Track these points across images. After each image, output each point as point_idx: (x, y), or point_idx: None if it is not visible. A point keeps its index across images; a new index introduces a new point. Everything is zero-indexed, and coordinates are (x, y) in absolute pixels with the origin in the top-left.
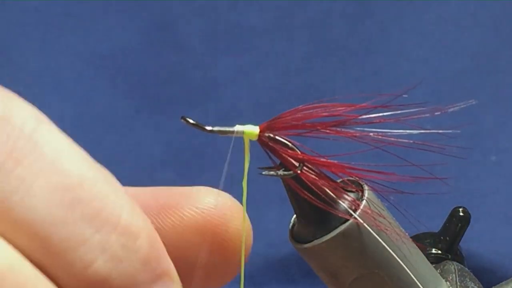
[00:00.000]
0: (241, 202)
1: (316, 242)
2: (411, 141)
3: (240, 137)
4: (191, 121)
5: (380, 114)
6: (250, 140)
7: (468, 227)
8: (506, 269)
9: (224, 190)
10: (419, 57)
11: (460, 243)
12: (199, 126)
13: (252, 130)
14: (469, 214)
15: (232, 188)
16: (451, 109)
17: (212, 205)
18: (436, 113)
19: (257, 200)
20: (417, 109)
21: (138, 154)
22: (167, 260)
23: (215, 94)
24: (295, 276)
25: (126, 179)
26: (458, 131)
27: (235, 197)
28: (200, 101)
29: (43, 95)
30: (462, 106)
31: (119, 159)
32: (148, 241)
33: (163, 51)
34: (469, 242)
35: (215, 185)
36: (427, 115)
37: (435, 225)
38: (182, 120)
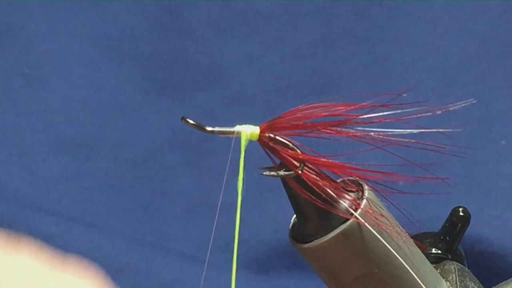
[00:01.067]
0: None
1: (316, 242)
2: (413, 141)
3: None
4: (191, 121)
5: (381, 114)
6: (251, 140)
7: (480, 211)
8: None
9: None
10: (427, 43)
11: (460, 244)
12: (199, 127)
13: (252, 130)
14: (469, 214)
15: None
16: (452, 108)
17: None
18: (436, 113)
19: (261, 186)
20: (418, 108)
21: (145, 137)
22: None
23: (222, 79)
24: (302, 261)
25: (133, 162)
26: (459, 130)
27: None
28: (207, 85)
29: (50, 77)
30: (462, 105)
31: (126, 143)
32: None
33: (170, 35)
34: (480, 226)
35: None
36: (429, 113)
37: (435, 225)
38: (182, 121)
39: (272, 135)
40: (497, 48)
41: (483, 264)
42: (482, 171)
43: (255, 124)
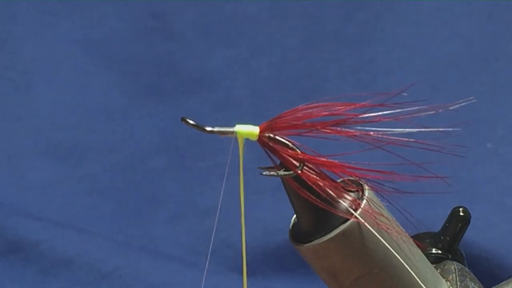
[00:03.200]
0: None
1: (316, 242)
2: (412, 140)
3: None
4: (191, 121)
5: (379, 113)
6: (251, 140)
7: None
8: (502, 257)
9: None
10: (414, 45)
11: (460, 244)
12: (198, 127)
13: (252, 130)
14: (469, 214)
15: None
16: (452, 107)
17: None
18: (435, 111)
19: (250, 189)
20: (416, 108)
21: (132, 142)
22: None
23: (210, 83)
24: (291, 265)
25: (120, 166)
26: (459, 129)
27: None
28: (195, 89)
29: (37, 82)
30: (462, 104)
31: (113, 147)
32: None
33: (157, 40)
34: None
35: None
36: (432, 112)
37: (435, 225)
38: (182, 121)
39: (271, 135)
40: (484, 51)
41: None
42: (468, 174)
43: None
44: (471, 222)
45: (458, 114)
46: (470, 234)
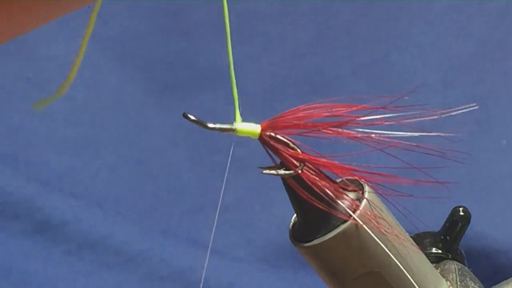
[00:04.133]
0: None
1: (316, 241)
2: (413, 144)
3: (243, 134)
4: (192, 117)
5: (382, 116)
6: (252, 138)
7: (482, 210)
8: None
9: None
10: (426, 43)
11: (460, 243)
12: (200, 123)
13: (253, 128)
14: (469, 213)
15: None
16: (454, 113)
17: None
18: (437, 117)
19: (268, 186)
20: (419, 112)
21: (147, 136)
22: None
23: (223, 79)
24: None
25: (136, 160)
26: (460, 135)
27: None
28: (207, 85)
29: (52, 80)
30: (464, 110)
31: (128, 142)
32: None
33: (170, 36)
34: (482, 225)
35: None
36: (431, 117)
37: (436, 225)
38: (183, 117)
39: (273, 134)
40: (495, 49)
41: (483, 263)
42: (483, 171)
43: (256, 123)
44: (488, 217)
45: (471, 112)
46: (487, 229)
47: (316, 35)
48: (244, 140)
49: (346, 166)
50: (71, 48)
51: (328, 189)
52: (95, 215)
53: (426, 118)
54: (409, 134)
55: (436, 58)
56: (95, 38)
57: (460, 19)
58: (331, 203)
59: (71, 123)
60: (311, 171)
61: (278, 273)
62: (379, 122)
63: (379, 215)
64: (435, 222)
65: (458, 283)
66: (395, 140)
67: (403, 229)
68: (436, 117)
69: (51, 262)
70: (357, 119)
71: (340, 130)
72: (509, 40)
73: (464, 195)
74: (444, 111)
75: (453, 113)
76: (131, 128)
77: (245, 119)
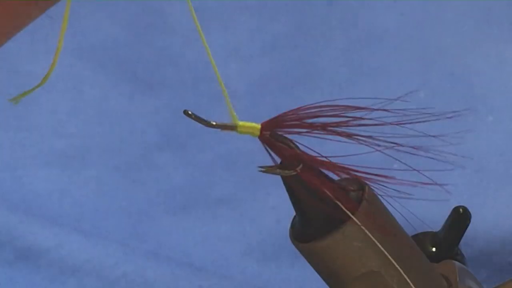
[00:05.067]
0: None
1: (316, 241)
2: (413, 146)
3: (243, 132)
4: (193, 115)
5: (381, 116)
6: (253, 137)
7: (474, 188)
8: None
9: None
10: (402, 27)
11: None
12: (201, 121)
13: (254, 127)
14: (470, 213)
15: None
16: (450, 116)
17: None
18: (435, 119)
19: (263, 178)
20: (415, 113)
21: (134, 140)
22: None
23: (207, 74)
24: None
25: (124, 166)
26: (458, 137)
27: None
28: (192, 82)
29: (35, 94)
30: (456, 116)
31: (115, 147)
32: None
33: (152, 36)
34: (478, 206)
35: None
36: (428, 120)
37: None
38: (184, 114)
39: (273, 133)
40: (474, 31)
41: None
42: (473, 148)
43: (246, 120)
44: (481, 193)
45: (454, 90)
46: (480, 203)
47: (293, 26)
48: (231, 137)
49: (346, 166)
50: (50, 61)
51: (328, 189)
52: (78, 238)
53: (424, 120)
54: (406, 134)
55: (413, 40)
56: (76, 49)
57: (434, 4)
58: (331, 203)
59: (57, 135)
60: (311, 171)
61: (276, 264)
62: (379, 123)
63: (379, 215)
64: (435, 222)
65: (458, 283)
66: (393, 142)
67: (403, 229)
68: (429, 120)
69: None
70: (358, 119)
71: (340, 130)
72: (489, 17)
73: (456, 174)
74: (440, 114)
75: (449, 116)
76: (117, 134)
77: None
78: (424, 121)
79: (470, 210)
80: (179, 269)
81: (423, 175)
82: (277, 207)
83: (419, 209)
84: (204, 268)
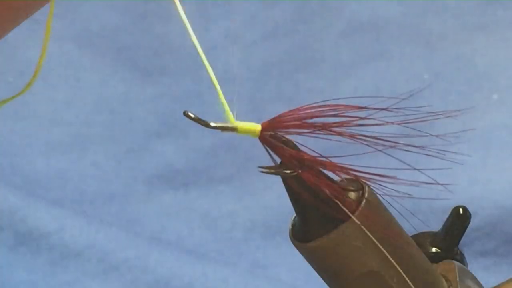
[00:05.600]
0: None
1: (316, 241)
2: (414, 145)
3: (244, 133)
4: (192, 116)
5: (383, 116)
6: (253, 138)
7: (480, 164)
8: None
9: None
10: (404, 11)
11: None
12: (200, 121)
13: (254, 127)
14: (469, 213)
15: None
16: (454, 115)
17: None
18: (439, 118)
19: (264, 160)
20: (417, 112)
21: (134, 128)
22: None
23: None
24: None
25: (124, 154)
26: (458, 137)
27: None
28: (192, 69)
29: (34, 82)
30: (457, 115)
31: (115, 136)
32: None
33: (151, 23)
34: (484, 180)
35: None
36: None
37: (436, 224)
38: (184, 115)
39: (273, 133)
40: (477, 16)
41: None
42: (479, 125)
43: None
44: (488, 167)
45: (459, 72)
46: (487, 177)
47: (293, 12)
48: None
49: (346, 167)
50: (49, 48)
51: (328, 189)
52: (79, 223)
53: (426, 119)
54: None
55: (413, 21)
56: (74, 37)
57: None
58: (331, 203)
59: (55, 123)
60: (311, 171)
61: (280, 239)
62: (380, 123)
63: (379, 215)
64: (435, 222)
65: (458, 283)
66: (395, 141)
67: (403, 229)
68: (433, 119)
69: (35, 273)
70: (359, 119)
71: (341, 130)
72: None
73: (464, 149)
74: (444, 112)
75: (453, 115)
76: (116, 122)
77: (232, 100)
78: (424, 121)
79: (476, 182)
80: (183, 254)
81: (424, 174)
82: (278, 182)
83: (419, 209)
84: (207, 254)
